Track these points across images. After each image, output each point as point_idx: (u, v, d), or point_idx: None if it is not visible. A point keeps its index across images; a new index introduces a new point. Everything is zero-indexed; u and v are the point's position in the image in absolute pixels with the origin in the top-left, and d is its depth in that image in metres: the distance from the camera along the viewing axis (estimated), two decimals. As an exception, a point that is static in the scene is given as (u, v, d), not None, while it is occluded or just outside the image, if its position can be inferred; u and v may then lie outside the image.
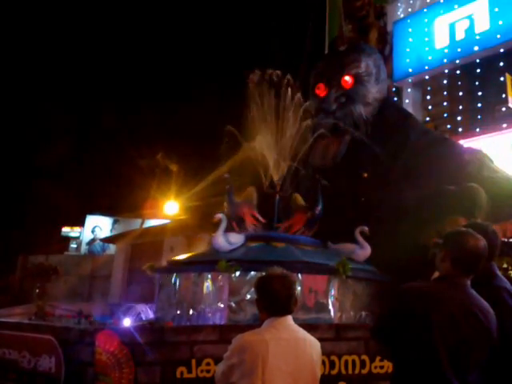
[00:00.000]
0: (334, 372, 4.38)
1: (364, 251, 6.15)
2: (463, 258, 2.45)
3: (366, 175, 7.56)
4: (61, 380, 4.66)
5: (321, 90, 8.80)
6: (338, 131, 8.44)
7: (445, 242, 2.55)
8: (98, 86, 22.06)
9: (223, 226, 5.91)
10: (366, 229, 6.14)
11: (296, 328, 2.58)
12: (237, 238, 5.99)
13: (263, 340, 2.42)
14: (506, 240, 6.43)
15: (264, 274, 2.65)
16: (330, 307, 5.63)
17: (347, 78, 8.56)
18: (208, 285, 6.02)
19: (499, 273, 2.79)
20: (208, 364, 4.33)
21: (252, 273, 5.59)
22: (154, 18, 22.70)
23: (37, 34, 22.67)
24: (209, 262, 5.89)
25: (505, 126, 11.06)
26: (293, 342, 2.49)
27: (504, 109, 11.92)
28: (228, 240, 5.88)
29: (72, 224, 22.02)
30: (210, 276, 5.83)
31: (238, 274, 5.60)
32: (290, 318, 2.56)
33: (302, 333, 2.59)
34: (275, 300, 2.53)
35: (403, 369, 2.40)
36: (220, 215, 5.97)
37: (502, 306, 2.58)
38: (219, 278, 5.69)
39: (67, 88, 22.21)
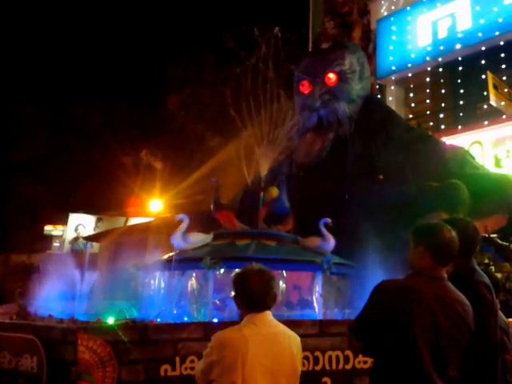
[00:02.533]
0: (318, 368, 4.39)
1: (328, 244, 6.12)
2: (440, 250, 2.47)
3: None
4: (43, 380, 4.60)
5: (305, 87, 8.82)
6: (322, 128, 8.48)
7: (419, 237, 2.55)
8: (79, 82, 21.83)
9: (184, 226, 6.05)
10: (329, 221, 6.11)
11: (275, 323, 2.58)
12: (197, 237, 6.14)
13: (242, 336, 2.42)
14: (487, 236, 6.51)
15: (240, 270, 2.65)
16: (315, 304, 5.65)
17: (331, 75, 8.58)
18: (192, 282, 6.01)
19: (478, 268, 2.82)
20: (192, 361, 4.31)
21: (237, 270, 5.58)
22: (134, 13, 22.53)
23: (15, 29, 22.36)
24: (193, 260, 5.87)
25: (486, 123, 11.19)
26: (272, 338, 2.49)
27: (485, 106, 12.07)
28: (186, 240, 6.04)
29: (55, 222, 21.77)
30: (194, 273, 5.81)
31: (222, 271, 5.59)
32: (269, 314, 2.56)
33: (282, 328, 2.59)
34: (252, 296, 2.52)
35: (383, 364, 2.41)
36: (181, 215, 6.19)
37: (481, 300, 2.61)
38: (203, 275, 5.68)
39: (47, 84, 21.91)
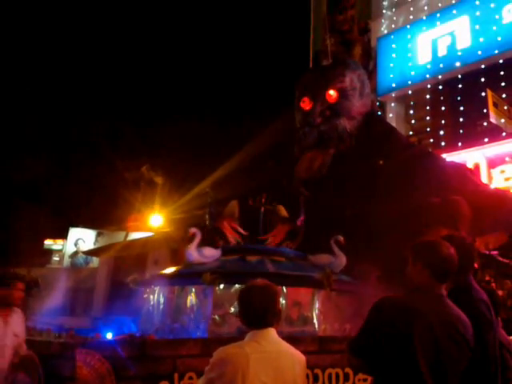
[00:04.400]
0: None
1: (339, 261, 6.12)
2: (439, 267, 2.47)
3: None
4: (40, 395, 4.55)
5: (306, 104, 8.87)
6: (323, 144, 8.51)
7: (418, 254, 2.56)
8: (80, 97, 21.98)
9: (197, 239, 5.98)
10: (341, 238, 6.12)
11: (279, 341, 2.54)
12: (211, 252, 6.05)
13: (244, 353, 2.39)
14: (488, 253, 6.49)
15: (245, 285, 2.62)
16: (315, 320, 5.61)
17: (332, 92, 8.64)
18: (191, 298, 5.97)
19: (476, 284, 2.81)
20: (191, 378, 4.27)
21: (236, 286, 5.56)
22: (134, 30, 22.73)
23: (17, 43, 22.55)
24: (193, 275, 5.84)
25: (486, 140, 11.23)
26: (274, 355, 2.46)
27: (485, 123, 12.12)
28: (202, 254, 5.95)
29: (55, 237, 21.74)
30: (193, 289, 5.79)
31: (222, 286, 5.57)
32: (272, 331, 2.53)
33: (285, 346, 2.56)
34: (251, 311, 2.50)
35: (383, 382, 2.39)
36: (194, 229, 6.05)
37: (479, 317, 2.60)
38: (203, 291, 5.65)
39: (47, 99, 22.05)
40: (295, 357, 2.54)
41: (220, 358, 2.42)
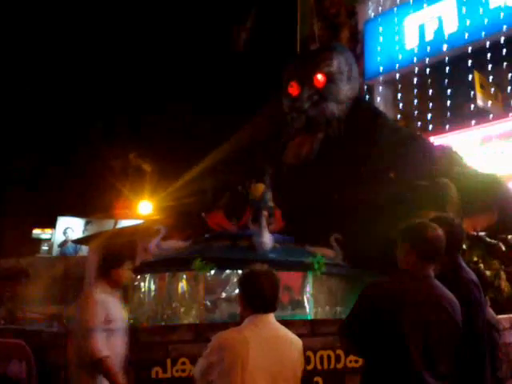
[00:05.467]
0: (310, 367, 4.39)
1: (339, 258, 6.25)
2: (425, 248, 2.50)
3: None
4: (32, 384, 4.56)
5: (293, 89, 8.83)
6: (311, 129, 8.50)
7: (404, 236, 2.58)
8: (68, 85, 21.68)
9: (160, 235, 6.43)
10: (340, 236, 6.23)
11: (277, 326, 2.55)
12: (171, 244, 6.51)
13: (243, 338, 2.40)
14: (476, 234, 6.56)
15: (249, 270, 2.62)
16: (306, 304, 5.65)
17: (319, 76, 8.60)
18: (182, 284, 5.98)
19: (465, 265, 2.84)
20: (183, 363, 4.30)
21: (227, 271, 5.57)
22: (125, 23, 22.43)
23: (13, 38, 22.17)
24: (183, 261, 5.85)
25: (473, 123, 11.29)
26: (273, 340, 2.47)
27: (473, 106, 12.17)
28: (160, 247, 6.39)
29: (43, 226, 21.57)
30: (184, 275, 5.79)
31: (213, 272, 5.58)
32: (271, 316, 2.54)
33: (284, 331, 2.57)
34: (261, 297, 2.50)
35: (374, 364, 2.42)
36: (160, 226, 6.67)
37: (469, 297, 2.63)
38: (194, 277, 5.66)
39: (34, 86, 21.74)
40: (293, 341, 2.57)
41: (219, 343, 2.43)
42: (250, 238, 6.16)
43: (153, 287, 6.13)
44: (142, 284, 6.24)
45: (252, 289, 2.54)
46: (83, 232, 20.00)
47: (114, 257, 3.66)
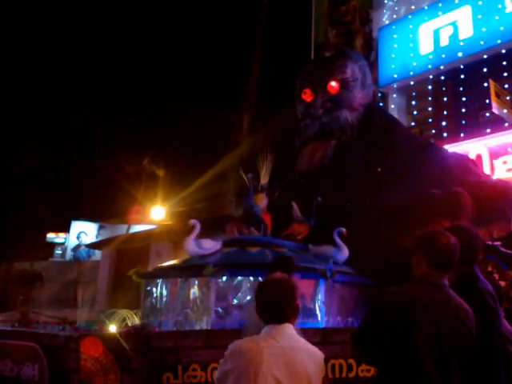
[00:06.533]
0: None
1: (342, 253, 6.14)
2: (437, 257, 2.48)
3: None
4: (45, 387, 4.58)
5: (307, 95, 8.84)
6: (325, 136, 8.48)
7: (417, 245, 2.57)
8: (82, 90, 21.92)
9: (196, 231, 6.03)
10: (344, 230, 6.13)
11: (296, 338, 2.50)
12: (210, 244, 6.10)
13: (257, 347, 2.38)
14: (490, 243, 6.48)
15: (263, 279, 2.60)
16: (317, 312, 5.62)
17: (333, 83, 8.60)
18: (194, 290, 5.99)
19: (481, 275, 2.81)
20: (194, 370, 4.30)
21: (239, 278, 5.57)
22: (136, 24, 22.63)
23: (17, 35, 22.48)
24: (195, 267, 5.86)
25: (489, 131, 11.19)
26: (289, 352, 2.41)
27: (488, 114, 12.07)
28: (199, 245, 6.01)
29: (57, 230, 21.75)
30: (196, 281, 5.80)
31: (224, 278, 5.58)
32: (289, 327, 2.48)
33: (303, 343, 2.51)
34: (267, 306, 2.48)
35: (387, 373, 2.40)
36: (194, 221, 6.11)
37: (485, 308, 2.60)
38: (206, 283, 5.67)
39: (50, 92, 21.99)
40: (311, 353, 2.50)
41: (233, 352, 2.42)
42: (261, 244, 6.17)
43: (165, 292, 6.14)
44: (154, 289, 6.25)
45: (260, 299, 2.53)
46: (96, 236, 20.15)
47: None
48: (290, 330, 2.50)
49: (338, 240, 6.12)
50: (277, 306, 2.47)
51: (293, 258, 4.75)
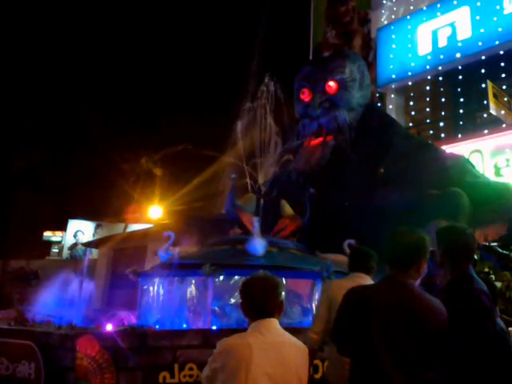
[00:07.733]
0: (318, 376, 4.37)
1: None
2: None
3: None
4: (40, 386, 4.57)
5: (305, 95, 8.84)
6: (323, 136, 8.49)
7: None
8: (79, 88, 21.89)
9: (170, 241, 6.44)
10: (353, 242, 6.15)
11: (282, 332, 2.55)
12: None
13: (247, 344, 2.39)
14: (487, 244, 6.49)
15: (246, 278, 2.63)
16: (314, 311, 5.61)
17: (331, 83, 8.60)
18: (191, 289, 5.99)
19: (476, 275, 2.82)
20: (191, 369, 4.29)
21: (236, 277, 5.57)
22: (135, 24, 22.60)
23: (17, 35, 22.43)
24: (193, 267, 5.85)
25: (486, 131, 11.20)
26: (277, 346, 2.46)
27: (485, 115, 12.08)
28: (169, 253, 6.39)
29: (54, 228, 21.76)
30: (193, 281, 5.79)
31: (221, 278, 5.57)
32: (275, 322, 2.53)
33: (288, 337, 2.56)
34: (253, 302, 2.51)
35: (355, 369, 2.47)
36: (168, 233, 6.58)
37: (480, 308, 2.60)
38: (203, 282, 5.66)
39: (47, 90, 21.96)
40: (298, 347, 2.55)
41: (223, 349, 2.42)
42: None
43: (161, 291, 6.14)
44: (151, 288, 6.25)
45: (246, 296, 2.56)
46: (93, 235, 20.15)
47: None
48: (275, 324, 2.53)
49: (348, 251, 6.18)
50: (262, 301, 2.50)
51: None
